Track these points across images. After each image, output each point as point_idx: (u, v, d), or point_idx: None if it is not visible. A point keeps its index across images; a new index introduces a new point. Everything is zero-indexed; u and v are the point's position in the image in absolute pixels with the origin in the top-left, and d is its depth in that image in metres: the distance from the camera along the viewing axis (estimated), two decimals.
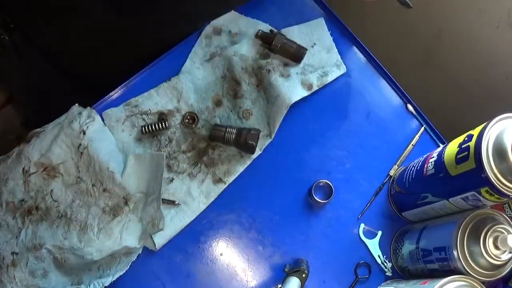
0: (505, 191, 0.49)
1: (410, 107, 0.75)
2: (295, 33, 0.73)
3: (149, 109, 0.68)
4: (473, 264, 0.53)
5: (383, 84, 0.77)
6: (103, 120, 0.66)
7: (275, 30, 0.72)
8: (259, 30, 0.71)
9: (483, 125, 0.52)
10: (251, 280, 0.65)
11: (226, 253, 0.66)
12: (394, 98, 0.76)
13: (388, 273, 0.67)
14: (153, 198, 0.62)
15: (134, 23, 0.69)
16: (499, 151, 0.49)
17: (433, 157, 0.59)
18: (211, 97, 0.70)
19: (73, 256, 0.58)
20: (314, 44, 0.74)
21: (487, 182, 0.49)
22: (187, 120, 0.68)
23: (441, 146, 0.62)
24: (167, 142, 0.68)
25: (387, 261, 0.68)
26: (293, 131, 0.72)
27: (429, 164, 0.59)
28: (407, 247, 0.64)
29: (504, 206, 0.64)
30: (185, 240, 0.65)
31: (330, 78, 0.73)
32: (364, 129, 0.74)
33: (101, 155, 0.60)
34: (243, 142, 0.65)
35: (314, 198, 0.67)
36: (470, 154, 0.51)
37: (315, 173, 0.70)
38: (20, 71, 0.77)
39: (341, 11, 0.78)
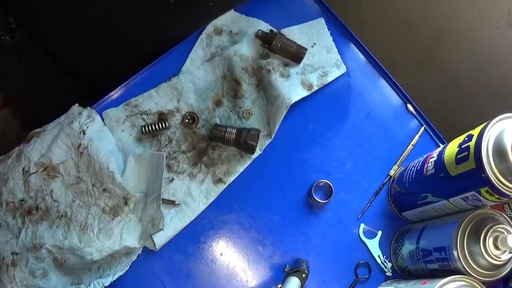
0: (505, 191, 0.49)
1: (410, 107, 0.75)
2: (295, 33, 0.73)
3: (149, 109, 0.68)
4: (473, 264, 0.53)
5: (383, 84, 0.77)
6: (103, 120, 0.66)
7: (275, 30, 0.72)
8: (259, 30, 0.71)
9: (483, 125, 0.52)
10: (251, 280, 0.65)
11: (226, 253, 0.66)
12: (394, 98, 0.76)
13: (388, 273, 0.67)
14: (153, 198, 0.62)
15: (135, 23, 0.69)
16: (499, 151, 0.49)
17: (433, 157, 0.59)
18: (211, 97, 0.70)
19: (73, 256, 0.58)
20: (314, 44, 0.74)
21: (487, 182, 0.49)
22: (187, 120, 0.68)
23: (441, 146, 0.62)
24: (167, 142, 0.68)
25: (387, 261, 0.68)
26: (293, 131, 0.72)
27: (429, 164, 0.59)
28: (407, 247, 0.64)
29: (504, 206, 0.64)
30: (185, 240, 0.65)
31: (330, 78, 0.73)
32: (364, 129, 0.74)
33: (101, 155, 0.60)
34: (243, 142, 0.65)
35: (314, 198, 0.67)
36: (470, 154, 0.51)
37: (315, 173, 0.70)
38: (20, 71, 0.77)
39: (341, 11, 0.78)
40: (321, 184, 0.69)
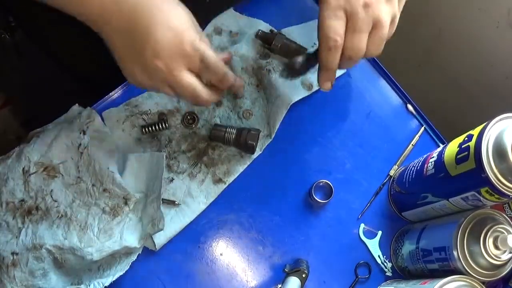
0: (505, 191, 0.49)
1: (410, 107, 0.75)
2: (295, 33, 0.73)
3: (149, 109, 0.68)
4: (473, 264, 0.53)
5: (383, 84, 0.77)
6: (103, 120, 0.66)
7: (275, 30, 0.72)
8: (259, 30, 0.71)
9: (483, 125, 0.52)
10: (251, 280, 0.65)
11: (226, 253, 0.66)
12: (394, 98, 0.76)
13: (388, 273, 0.68)
14: (153, 198, 0.62)
15: None
16: (499, 151, 0.49)
17: (433, 157, 0.59)
18: None
19: (73, 256, 0.58)
20: (314, 44, 0.74)
21: (487, 182, 0.49)
22: (187, 120, 0.68)
23: (441, 146, 0.63)
24: (167, 142, 0.68)
25: (387, 261, 0.68)
26: (293, 131, 0.71)
27: (429, 164, 0.59)
28: (407, 247, 0.64)
29: (504, 206, 0.64)
30: (185, 240, 0.65)
31: None
32: (364, 129, 0.74)
33: (101, 155, 0.60)
34: (243, 142, 0.65)
35: (314, 198, 0.67)
36: (470, 154, 0.51)
37: (315, 173, 0.70)
38: (20, 71, 0.77)
39: None
40: (321, 184, 0.69)
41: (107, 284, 0.58)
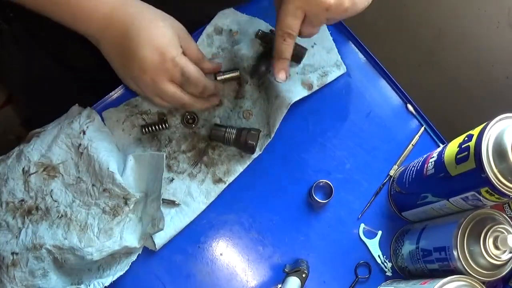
0: (505, 191, 0.49)
1: (410, 107, 0.75)
2: None
3: (149, 109, 0.68)
4: (473, 264, 0.54)
5: (383, 84, 0.77)
6: (103, 120, 0.66)
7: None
8: (259, 30, 0.71)
9: (483, 125, 0.52)
10: (251, 280, 0.65)
11: (226, 253, 0.66)
12: (394, 98, 0.76)
13: (388, 273, 0.68)
14: (153, 198, 0.62)
15: None
16: (499, 151, 0.49)
17: (433, 157, 0.59)
18: None
19: (73, 256, 0.58)
20: (314, 44, 0.74)
21: (487, 182, 0.49)
22: (187, 120, 0.68)
23: (441, 146, 0.63)
24: (167, 142, 0.68)
25: (387, 261, 0.68)
26: (293, 131, 0.72)
27: (429, 164, 0.59)
28: (407, 247, 0.64)
29: (504, 206, 0.64)
30: (185, 240, 0.65)
31: (330, 78, 0.73)
32: (364, 129, 0.74)
33: (101, 155, 0.60)
34: (243, 142, 0.65)
35: (314, 198, 0.68)
36: (470, 154, 0.51)
37: (315, 173, 0.70)
38: (20, 64, 0.77)
39: None
40: (321, 184, 0.69)
41: (107, 284, 0.58)
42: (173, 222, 0.64)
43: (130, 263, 0.61)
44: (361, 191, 0.71)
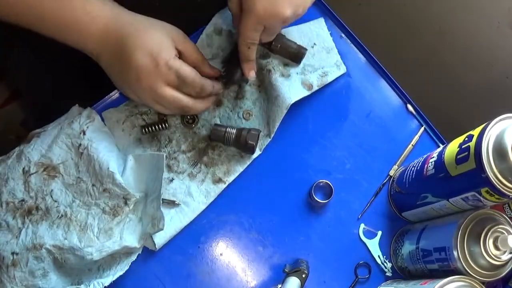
0: (505, 191, 0.49)
1: (410, 107, 0.75)
2: (295, 33, 0.73)
3: (149, 109, 0.68)
4: (473, 265, 0.54)
5: (383, 84, 0.77)
6: (103, 120, 0.66)
7: None
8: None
9: (483, 125, 0.52)
10: (251, 280, 0.65)
11: (226, 253, 0.66)
12: (394, 98, 0.76)
13: (388, 273, 0.68)
14: (153, 198, 0.62)
15: None
16: (499, 151, 0.49)
17: (433, 157, 0.59)
18: None
19: (73, 256, 0.58)
20: (314, 44, 0.74)
21: (487, 182, 0.49)
22: (187, 120, 0.68)
23: (441, 146, 0.63)
24: (167, 142, 0.68)
25: (387, 261, 0.68)
26: (293, 131, 0.72)
27: (429, 164, 0.59)
28: (407, 247, 0.64)
29: (504, 206, 0.64)
30: (185, 240, 0.65)
31: (330, 78, 0.73)
32: (364, 129, 0.74)
33: (101, 155, 0.60)
34: (243, 142, 0.65)
35: (314, 198, 0.68)
36: (470, 154, 0.51)
37: (315, 173, 0.70)
38: (19, 71, 0.77)
39: (341, 11, 0.78)
40: (321, 184, 0.69)
41: (107, 284, 0.58)
42: (173, 222, 0.64)
43: (130, 263, 0.61)
44: (361, 191, 0.71)
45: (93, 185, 0.61)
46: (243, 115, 0.70)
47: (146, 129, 0.66)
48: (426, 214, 0.64)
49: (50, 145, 0.61)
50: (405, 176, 0.66)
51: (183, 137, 0.68)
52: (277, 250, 0.67)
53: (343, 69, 0.74)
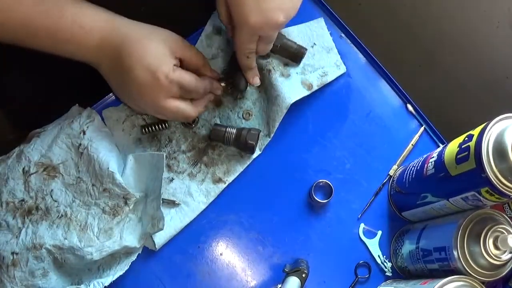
0: (506, 191, 0.49)
1: (410, 107, 0.75)
2: (295, 33, 0.73)
3: None
4: (473, 264, 0.53)
5: (383, 84, 0.77)
6: (103, 120, 0.66)
7: None
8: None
9: (483, 125, 0.52)
10: (251, 280, 0.65)
11: (226, 253, 0.66)
12: (394, 98, 0.76)
13: (388, 273, 0.68)
14: (153, 198, 0.62)
15: None
16: (499, 151, 0.49)
17: (433, 157, 0.59)
18: None
19: (73, 256, 0.58)
20: (314, 44, 0.74)
21: (488, 182, 0.49)
22: None
23: (441, 146, 0.63)
24: (167, 142, 0.68)
25: (387, 261, 0.68)
26: (293, 131, 0.72)
27: (429, 164, 0.59)
28: (407, 247, 0.64)
29: (504, 206, 0.64)
30: (185, 240, 0.65)
31: (330, 78, 0.73)
32: (364, 129, 0.74)
33: (101, 155, 0.60)
34: (243, 142, 0.65)
35: (314, 198, 0.68)
36: (470, 154, 0.51)
37: (315, 173, 0.70)
38: (19, 71, 0.77)
39: (341, 11, 0.78)
40: (321, 184, 0.69)
41: (107, 284, 0.58)
42: (173, 222, 0.64)
43: (130, 263, 0.61)
44: (361, 191, 0.71)
45: (93, 185, 0.61)
46: (243, 115, 0.70)
47: (146, 129, 0.66)
48: (426, 214, 0.64)
49: (50, 145, 0.61)
50: (405, 176, 0.66)
51: (183, 137, 0.68)
52: (277, 250, 0.67)
53: (343, 69, 0.74)
